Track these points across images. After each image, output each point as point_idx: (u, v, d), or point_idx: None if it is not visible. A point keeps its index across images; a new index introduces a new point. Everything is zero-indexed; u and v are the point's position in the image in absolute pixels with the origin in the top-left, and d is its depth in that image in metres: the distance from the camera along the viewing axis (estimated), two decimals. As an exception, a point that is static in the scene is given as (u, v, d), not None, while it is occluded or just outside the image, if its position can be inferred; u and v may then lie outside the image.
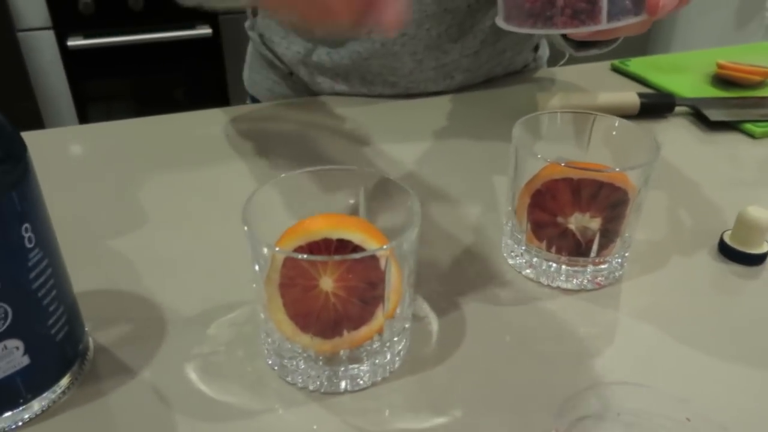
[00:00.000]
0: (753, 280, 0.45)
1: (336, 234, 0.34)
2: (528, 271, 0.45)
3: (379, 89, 0.73)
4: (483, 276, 0.45)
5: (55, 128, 0.69)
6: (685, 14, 2.01)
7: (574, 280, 0.44)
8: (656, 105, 0.68)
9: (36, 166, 0.32)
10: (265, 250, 0.32)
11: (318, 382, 0.36)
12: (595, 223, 0.41)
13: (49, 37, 1.67)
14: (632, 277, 0.45)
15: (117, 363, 0.38)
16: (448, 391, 0.36)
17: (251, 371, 0.37)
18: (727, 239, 0.47)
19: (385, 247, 0.33)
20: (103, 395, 0.36)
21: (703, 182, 0.57)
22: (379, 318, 0.34)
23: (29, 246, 0.31)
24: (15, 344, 0.31)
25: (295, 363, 0.36)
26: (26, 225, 0.30)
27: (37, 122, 1.72)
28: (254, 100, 0.84)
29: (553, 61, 0.87)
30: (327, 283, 0.33)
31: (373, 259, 0.32)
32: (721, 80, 0.76)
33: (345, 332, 0.34)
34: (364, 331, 0.34)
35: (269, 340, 0.36)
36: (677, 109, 0.69)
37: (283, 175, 0.37)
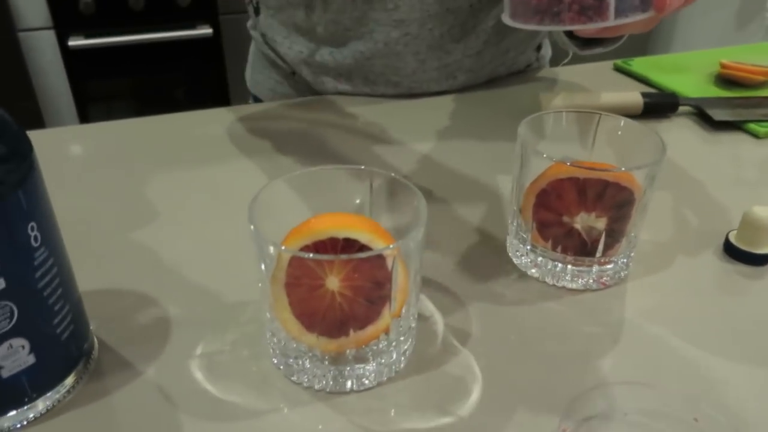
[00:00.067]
0: (759, 280, 0.45)
1: (343, 233, 0.34)
2: (533, 270, 0.45)
3: (381, 89, 0.73)
4: (488, 275, 0.45)
5: (56, 128, 0.69)
6: (685, 14, 2.01)
7: (580, 279, 0.44)
8: (660, 105, 0.68)
9: (38, 165, 0.32)
10: (272, 249, 0.32)
11: (324, 382, 0.36)
12: (600, 223, 0.41)
13: (49, 37, 1.67)
14: (637, 277, 0.45)
15: (121, 362, 0.38)
16: (453, 391, 0.36)
17: (256, 370, 0.37)
18: (732, 239, 0.47)
19: (391, 246, 0.33)
20: (107, 394, 0.36)
21: (708, 182, 0.57)
22: (385, 317, 0.34)
23: (35, 245, 0.30)
24: (21, 343, 0.31)
25: (300, 362, 0.36)
26: (32, 224, 0.30)
27: (37, 122, 1.72)
28: (256, 100, 0.84)
29: (556, 60, 0.87)
30: (333, 282, 0.32)
31: (380, 258, 0.32)
32: (725, 80, 0.76)
33: (351, 332, 0.34)
34: (370, 330, 0.34)
35: (275, 339, 0.36)
36: (680, 108, 0.69)
37: (289, 173, 0.37)
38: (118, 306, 0.42)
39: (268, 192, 0.36)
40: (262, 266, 0.34)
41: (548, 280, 0.44)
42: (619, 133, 0.45)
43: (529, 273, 0.45)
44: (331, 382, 0.36)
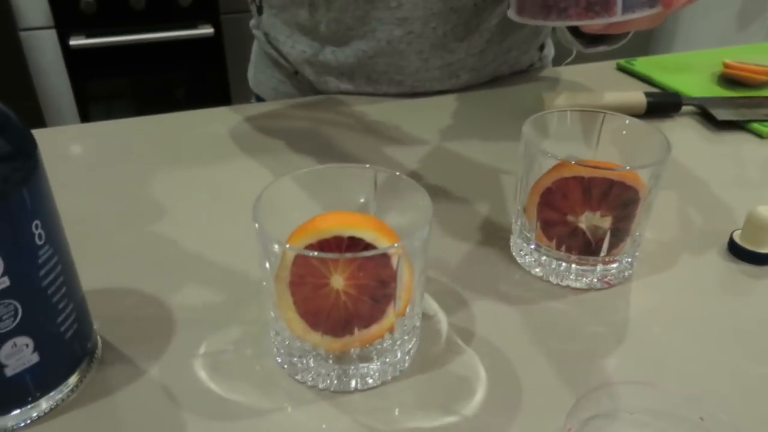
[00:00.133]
0: (763, 280, 0.45)
1: (347, 232, 0.34)
2: (537, 269, 0.45)
3: (384, 88, 0.73)
4: (492, 275, 0.45)
5: (57, 127, 0.68)
6: (687, 15, 2.01)
7: (584, 279, 0.43)
8: (663, 104, 0.68)
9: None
10: (276, 248, 0.32)
11: (328, 381, 0.36)
12: (605, 222, 0.41)
13: (50, 37, 1.67)
14: (641, 276, 0.45)
15: (125, 361, 0.38)
16: (458, 391, 0.36)
17: (260, 369, 0.37)
18: (736, 239, 0.47)
19: (396, 245, 0.33)
20: (111, 393, 0.36)
21: (712, 182, 0.56)
22: (390, 316, 0.34)
23: (39, 243, 0.30)
24: (25, 341, 0.31)
25: (304, 361, 0.36)
26: (36, 222, 0.30)
27: (38, 121, 1.72)
28: (259, 100, 0.83)
29: (559, 60, 0.87)
30: (338, 281, 0.32)
31: (385, 257, 0.32)
32: (727, 80, 0.76)
33: (356, 330, 0.34)
34: (374, 329, 0.34)
35: (279, 338, 0.36)
36: (684, 108, 0.68)
37: (293, 172, 0.37)
38: (121, 305, 0.42)
39: (273, 190, 0.36)
40: (267, 265, 0.34)
41: (552, 279, 0.44)
42: (624, 132, 0.45)
43: (532, 272, 0.45)
44: (336, 381, 0.36)
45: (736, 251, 0.47)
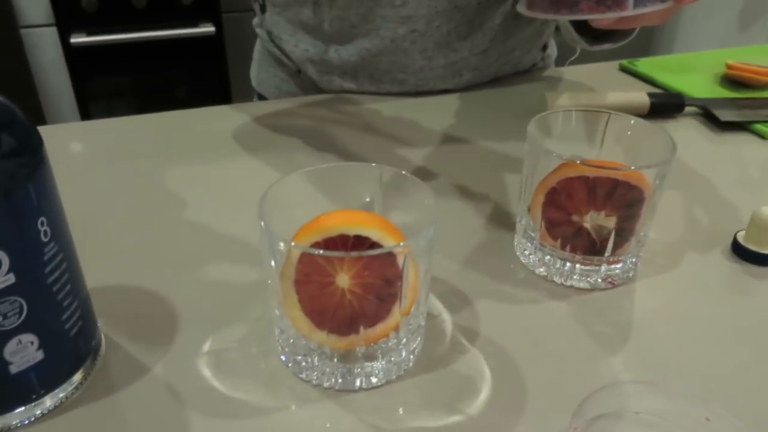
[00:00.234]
0: (766, 280, 0.45)
1: (353, 230, 0.34)
2: (541, 269, 0.45)
3: (387, 87, 0.73)
4: (496, 274, 0.45)
5: (59, 124, 0.68)
6: (688, 15, 2.01)
7: (588, 278, 0.43)
8: (666, 105, 0.68)
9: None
10: (282, 246, 0.32)
11: (332, 380, 0.36)
12: (610, 222, 0.41)
13: (51, 35, 1.66)
14: (645, 276, 0.45)
15: (129, 359, 0.38)
16: (463, 390, 0.36)
17: (265, 368, 0.37)
18: (740, 239, 0.47)
19: (402, 243, 0.33)
20: (115, 392, 0.36)
21: (715, 182, 0.56)
22: (395, 315, 0.34)
23: (45, 240, 0.30)
24: (30, 339, 0.31)
25: (309, 360, 0.36)
26: (42, 218, 0.30)
27: (39, 120, 1.72)
28: (261, 98, 0.83)
29: (561, 60, 0.87)
30: (343, 279, 0.32)
31: (391, 256, 0.32)
32: (730, 81, 0.76)
33: (361, 329, 0.34)
34: (380, 328, 0.34)
35: (284, 336, 0.36)
36: (686, 109, 0.68)
37: (298, 170, 0.37)
38: (125, 303, 0.42)
39: (278, 188, 0.35)
40: (272, 263, 0.33)
41: (556, 279, 0.44)
42: (629, 132, 0.45)
43: (536, 272, 0.45)
44: (340, 380, 0.36)
45: (739, 252, 0.47)
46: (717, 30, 1.95)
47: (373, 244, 0.34)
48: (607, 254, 0.42)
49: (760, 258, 0.46)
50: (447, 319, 0.41)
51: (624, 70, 0.82)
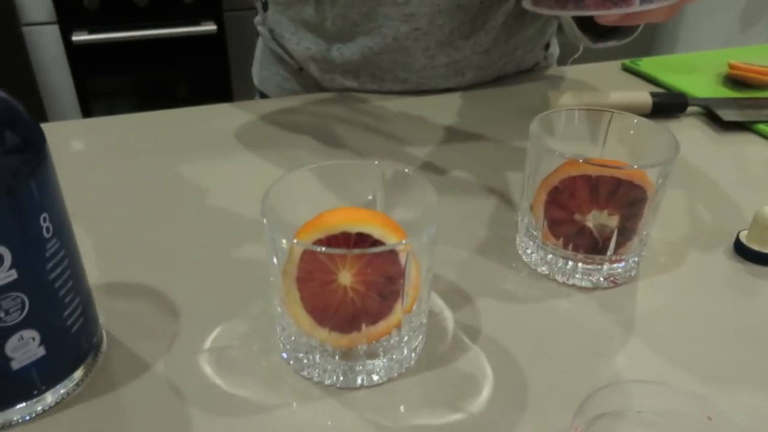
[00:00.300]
0: (769, 280, 0.45)
1: (356, 228, 0.34)
2: (543, 268, 0.45)
3: (389, 85, 0.73)
4: (498, 272, 0.45)
5: (60, 121, 0.68)
6: (691, 15, 2.01)
7: (590, 277, 0.43)
8: (669, 104, 0.68)
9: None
10: (284, 243, 0.32)
11: (334, 377, 0.36)
12: (612, 221, 0.41)
13: (53, 32, 1.66)
14: (648, 275, 0.45)
15: (130, 356, 0.38)
16: (464, 388, 0.36)
17: (266, 365, 0.37)
18: (743, 239, 0.47)
19: (405, 241, 0.32)
20: (116, 388, 0.36)
21: (718, 182, 0.56)
22: (397, 313, 0.34)
23: (47, 236, 0.30)
24: (31, 335, 0.31)
25: (311, 357, 0.36)
26: (44, 215, 0.30)
27: (40, 118, 1.71)
28: (263, 96, 0.83)
29: (564, 59, 0.87)
30: (345, 277, 0.32)
31: (393, 253, 0.32)
32: (733, 80, 0.76)
33: (363, 327, 0.34)
34: (382, 326, 0.34)
35: (285, 333, 0.36)
36: (689, 109, 0.68)
37: (301, 168, 0.37)
38: (127, 300, 0.42)
39: (281, 186, 0.35)
40: (274, 260, 0.33)
41: (558, 277, 0.44)
42: (632, 131, 0.45)
43: (539, 270, 0.45)
44: (342, 378, 0.36)
45: (742, 251, 0.47)
46: (719, 30, 1.95)
47: (376, 242, 0.34)
48: (609, 253, 0.42)
49: (763, 258, 0.46)
50: (449, 317, 0.41)
51: (626, 69, 0.82)
